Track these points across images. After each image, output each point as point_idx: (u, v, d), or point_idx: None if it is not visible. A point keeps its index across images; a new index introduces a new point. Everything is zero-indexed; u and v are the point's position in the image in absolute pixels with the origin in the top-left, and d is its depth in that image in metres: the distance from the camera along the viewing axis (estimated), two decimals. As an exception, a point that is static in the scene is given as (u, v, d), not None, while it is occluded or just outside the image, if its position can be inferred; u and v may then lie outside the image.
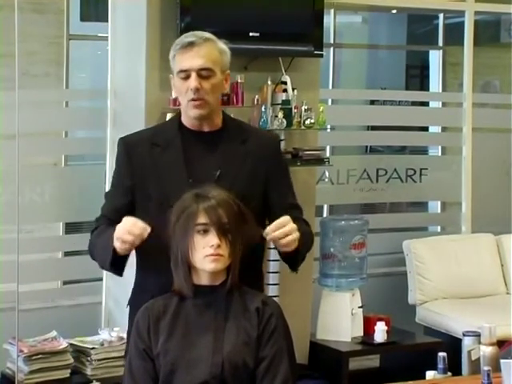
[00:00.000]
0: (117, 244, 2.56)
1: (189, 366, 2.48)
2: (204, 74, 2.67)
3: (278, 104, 4.51)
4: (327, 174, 5.64)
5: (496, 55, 6.47)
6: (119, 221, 2.65)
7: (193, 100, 2.68)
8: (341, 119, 5.72)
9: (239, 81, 4.29)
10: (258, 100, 4.44)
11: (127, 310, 2.85)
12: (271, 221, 2.64)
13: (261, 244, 2.72)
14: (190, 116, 2.74)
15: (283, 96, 4.52)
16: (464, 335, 2.92)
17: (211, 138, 2.76)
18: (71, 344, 4.24)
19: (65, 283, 4.90)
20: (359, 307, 4.84)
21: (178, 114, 2.82)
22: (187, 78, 2.68)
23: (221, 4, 4.37)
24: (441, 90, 6.37)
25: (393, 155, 6.58)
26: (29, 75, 4.72)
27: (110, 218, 2.75)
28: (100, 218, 2.82)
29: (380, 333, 4.75)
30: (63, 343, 4.20)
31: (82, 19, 6.03)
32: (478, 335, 2.89)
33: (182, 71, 2.69)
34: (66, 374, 4.16)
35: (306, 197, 4.23)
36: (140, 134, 2.94)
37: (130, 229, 2.55)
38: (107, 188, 4.43)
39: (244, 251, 2.56)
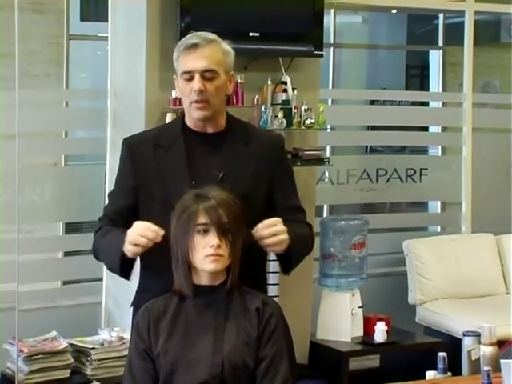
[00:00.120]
0: (128, 247, 2.57)
1: (189, 366, 2.48)
2: (208, 75, 2.67)
3: (278, 104, 4.51)
4: (327, 174, 5.64)
5: (496, 55, 6.47)
6: (122, 221, 2.67)
7: (196, 102, 2.68)
8: (341, 119, 5.73)
9: (239, 81, 4.29)
10: (257, 100, 4.44)
11: (128, 310, 2.86)
12: None
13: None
14: (193, 117, 2.73)
15: (283, 96, 4.53)
16: (464, 335, 2.92)
17: (215, 140, 2.75)
18: (71, 344, 4.24)
19: (65, 283, 4.91)
20: (359, 307, 4.85)
21: (182, 115, 2.81)
22: (191, 79, 2.67)
23: (221, 4, 4.37)
24: (441, 90, 6.37)
25: (393, 155, 6.58)
26: (29, 75, 4.72)
27: (113, 219, 2.75)
28: (103, 218, 2.82)
29: (380, 333, 4.75)
30: (63, 343, 4.20)
31: (82, 19, 6.03)
32: (478, 335, 2.89)
33: (185, 72, 2.68)
34: (66, 374, 4.16)
35: (306, 197, 4.22)
36: (144, 134, 2.95)
37: (143, 232, 2.55)
38: (107, 188, 4.48)
39: (245, 251, 2.57)
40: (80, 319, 4.57)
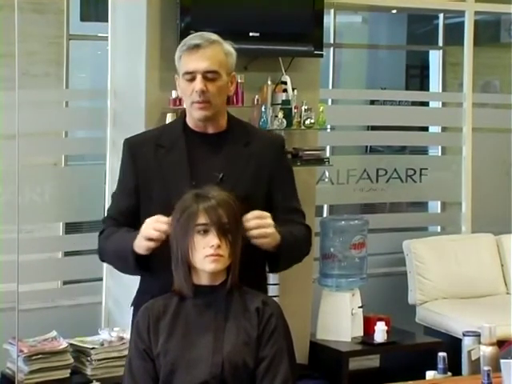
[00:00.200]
0: (143, 243, 2.57)
1: (189, 366, 2.48)
2: (209, 76, 2.67)
3: (278, 104, 4.51)
4: (327, 174, 5.64)
5: (496, 55, 6.47)
6: (126, 222, 2.69)
7: (198, 102, 2.68)
8: (341, 119, 5.73)
9: (239, 81, 4.28)
10: (257, 100, 4.44)
11: (128, 310, 2.86)
12: None
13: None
14: (194, 117, 2.74)
15: (283, 96, 4.52)
16: (464, 335, 2.92)
17: (215, 140, 2.75)
18: (71, 344, 4.24)
19: (65, 283, 4.90)
20: (359, 307, 4.84)
21: (183, 115, 2.81)
22: (192, 79, 2.67)
23: (221, 4, 4.37)
24: (441, 90, 6.37)
25: (393, 155, 6.58)
26: (29, 75, 4.72)
27: (117, 220, 2.76)
28: (106, 219, 2.82)
29: (380, 333, 4.75)
30: (63, 343, 4.20)
31: (82, 19, 6.03)
32: (478, 335, 2.89)
33: (187, 73, 2.68)
34: (66, 373, 4.16)
35: (306, 197, 4.22)
36: (144, 135, 2.95)
37: (155, 225, 2.56)
38: (107, 188, 4.48)
39: (245, 251, 2.56)
40: (80, 319, 4.57)
